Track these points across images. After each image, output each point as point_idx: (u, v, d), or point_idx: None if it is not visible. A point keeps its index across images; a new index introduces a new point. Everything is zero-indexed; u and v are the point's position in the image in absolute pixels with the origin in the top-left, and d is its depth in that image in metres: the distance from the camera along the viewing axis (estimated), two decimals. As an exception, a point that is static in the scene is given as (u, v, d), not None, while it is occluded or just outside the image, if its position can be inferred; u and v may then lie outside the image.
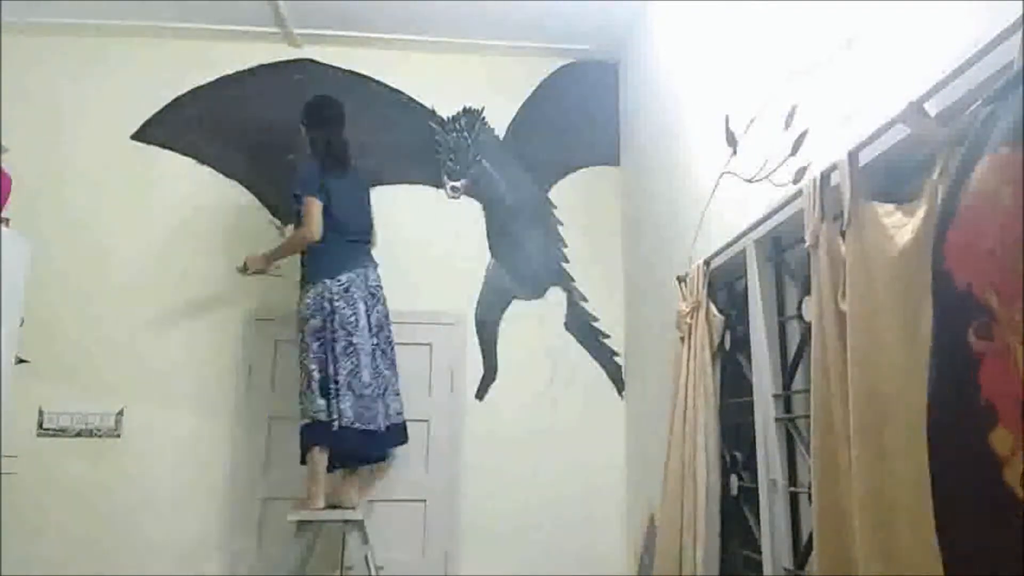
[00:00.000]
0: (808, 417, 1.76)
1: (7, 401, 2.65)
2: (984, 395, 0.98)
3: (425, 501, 3.56)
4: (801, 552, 2.03)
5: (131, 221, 3.79)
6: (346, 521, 3.10)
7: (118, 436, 3.56)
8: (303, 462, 3.12)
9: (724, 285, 2.60)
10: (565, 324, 3.90)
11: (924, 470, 1.13)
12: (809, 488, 1.73)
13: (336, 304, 3.15)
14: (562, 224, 4.02)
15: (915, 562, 1.32)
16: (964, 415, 1.02)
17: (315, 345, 3.12)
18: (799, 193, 1.87)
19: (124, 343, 3.65)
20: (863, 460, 1.45)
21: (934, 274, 1.09)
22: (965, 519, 1.03)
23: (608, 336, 3.91)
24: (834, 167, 1.69)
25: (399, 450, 3.64)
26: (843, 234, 1.64)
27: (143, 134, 3.89)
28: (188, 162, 3.88)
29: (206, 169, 3.89)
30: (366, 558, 3.05)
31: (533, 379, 3.83)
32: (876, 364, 1.46)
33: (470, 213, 3.99)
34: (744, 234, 2.26)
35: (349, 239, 3.32)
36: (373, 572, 3.02)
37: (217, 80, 3.97)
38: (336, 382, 3.08)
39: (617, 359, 3.89)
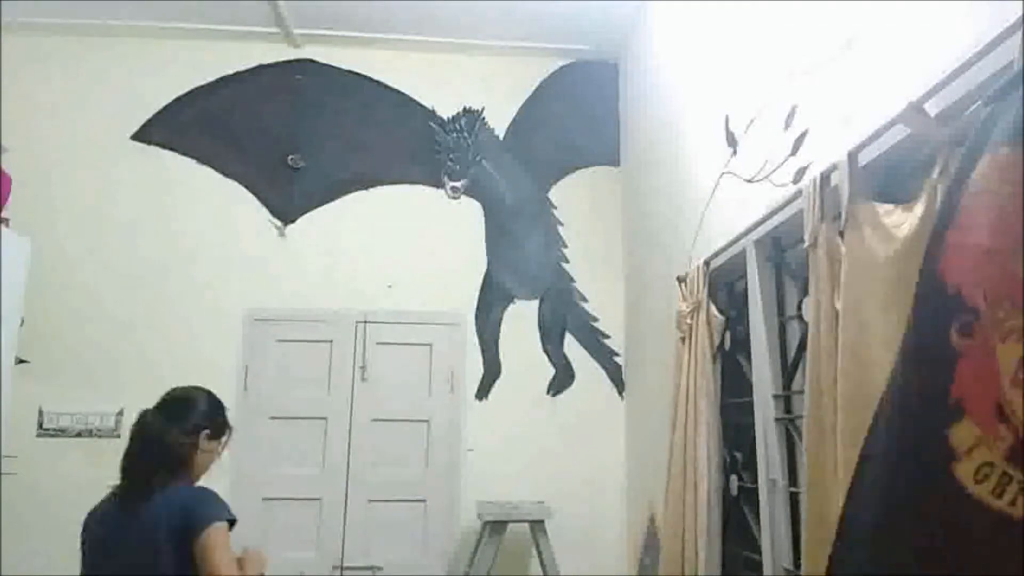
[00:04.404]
0: (808, 417, 1.76)
1: (7, 401, 2.64)
2: (954, 391, 0.99)
3: (425, 501, 3.56)
4: (801, 552, 2.03)
5: (131, 221, 3.79)
6: (531, 521, 3.16)
7: (118, 436, 3.55)
8: None
9: (724, 285, 2.60)
10: (565, 324, 3.90)
11: None
12: (809, 488, 1.73)
13: None
14: (562, 224, 4.02)
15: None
16: (928, 408, 1.02)
17: None
18: (799, 193, 1.87)
19: (124, 343, 3.65)
20: (852, 460, 1.45)
21: (924, 272, 1.09)
22: (910, 512, 1.03)
23: (608, 336, 3.91)
24: (834, 167, 1.69)
25: (399, 450, 3.65)
26: (842, 234, 1.63)
27: (143, 134, 3.89)
28: (188, 162, 3.88)
29: (206, 169, 3.89)
30: (541, 556, 3.14)
31: (533, 379, 3.83)
32: (867, 364, 1.46)
33: (470, 213, 3.99)
34: (744, 234, 2.26)
35: None
36: (554, 572, 3.10)
37: (217, 80, 3.97)
38: None
39: (617, 359, 3.89)
